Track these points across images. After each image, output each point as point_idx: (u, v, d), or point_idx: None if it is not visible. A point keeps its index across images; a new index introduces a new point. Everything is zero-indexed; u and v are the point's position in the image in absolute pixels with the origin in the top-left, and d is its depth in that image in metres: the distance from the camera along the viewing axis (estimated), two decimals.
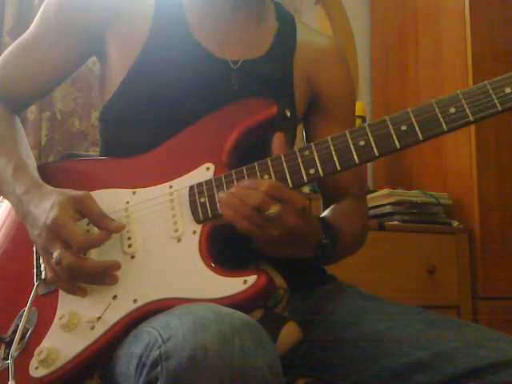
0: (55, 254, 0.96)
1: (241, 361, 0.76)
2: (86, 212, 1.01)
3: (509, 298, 2.37)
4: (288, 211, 0.95)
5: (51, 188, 1.05)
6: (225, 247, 1.00)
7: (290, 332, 1.06)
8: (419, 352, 0.99)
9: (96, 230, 1.02)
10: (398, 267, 2.22)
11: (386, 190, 2.40)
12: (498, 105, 0.92)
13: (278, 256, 1.04)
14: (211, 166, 1.04)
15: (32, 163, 1.13)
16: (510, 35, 2.48)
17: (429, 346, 0.99)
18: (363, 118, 2.57)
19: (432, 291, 2.29)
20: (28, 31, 1.26)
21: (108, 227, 1.00)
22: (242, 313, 0.84)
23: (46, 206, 1.00)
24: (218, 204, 0.99)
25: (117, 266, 0.99)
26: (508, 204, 2.43)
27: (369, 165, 2.76)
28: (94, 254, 1.01)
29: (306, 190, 2.26)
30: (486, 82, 0.93)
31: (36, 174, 1.10)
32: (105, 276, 0.99)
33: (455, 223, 2.43)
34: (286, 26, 1.31)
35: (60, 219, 0.97)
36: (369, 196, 2.24)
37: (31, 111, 2.26)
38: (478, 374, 0.93)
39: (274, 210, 0.94)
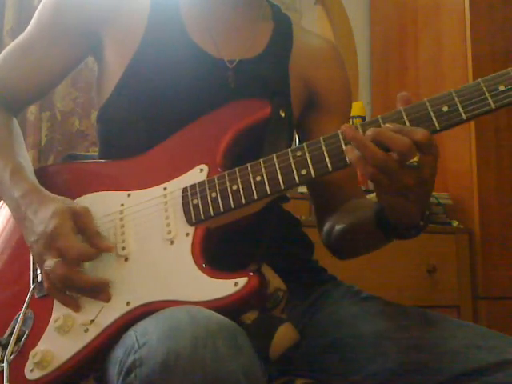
0: (49, 263, 0.96)
1: (213, 365, 0.75)
2: (81, 226, 1.00)
3: (509, 298, 2.37)
4: (427, 163, 0.92)
5: (50, 194, 1.04)
6: (224, 249, 1.00)
7: (285, 334, 1.06)
8: (418, 352, 0.99)
9: None
10: (398, 267, 2.22)
11: None
12: (492, 103, 0.90)
13: (392, 209, 1.00)
14: (205, 167, 1.04)
15: (29, 166, 1.13)
16: (510, 35, 2.48)
17: (428, 347, 0.99)
18: (363, 118, 2.57)
19: (432, 291, 2.28)
20: (25, 32, 1.26)
21: (99, 246, 0.99)
22: (220, 316, 0.83)
23: (46, 213, 0.99)
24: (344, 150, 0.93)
25: (106, 284, 0.98)
26: (508, 204, 2.43)
27: None
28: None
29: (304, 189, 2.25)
30: (479, 79, 0.92)
31: (33, 177, 1.10)
32: (98, 292, 0.98)
33: (455, 223, 2.43)
34: (282, 27, 1.31)
35: (60, 229, 0.97)
36: (369, 196, 2.23)
37: (31, 111, 2.27)
38: (478, 375, 0.93)
39: (416, 158, 0.90)
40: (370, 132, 0.90)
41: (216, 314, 0.83)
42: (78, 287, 0.97)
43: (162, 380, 0.75)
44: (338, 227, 1.23)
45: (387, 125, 0.91)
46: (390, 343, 1.03)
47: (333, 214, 1.27)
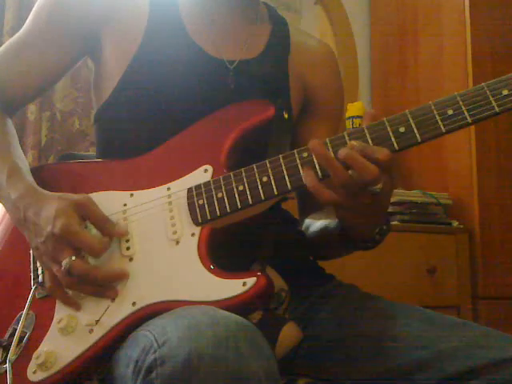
0: (65, 262, 0.95)
1: (236, 365, 0.75)
2: (89, 216, 1.00)
3: (509, 298, 2.37)
4: (388, 183, 0.94)
5: (49, 193, 1.04)
6: (227, 250, 1.00)
7: (289, 333, 1.06)
8: (419, 351, 0.99)
9: (94, 230, 1.01)
10: (398, 267, 2.22)
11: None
12: (496, 106, 0.91)
13: (349, 224, 1.04)
14: (209, 167, 1.03)
15: (25, 166, 1.12)
16: (510, 35, 2.49)
17: (428, 345, 0.99)
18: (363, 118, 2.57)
19: (432, 291, 2.29)
20: (21, 30, 1.24)
21: (112, 232, 1.00)
22: (238, 316, 0.83)
23: (49, 213, 0.99)
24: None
25: (126, 275, 0.99)
26: (508, 204, 2.43)
27: None
28: (92, 259, 1.00)
29: None
30: (483, 83, 0.93)
31: (30, 177, 1.09)
32: (106, 288, 0.98)
33: (455, 223, 2.43)
34: (280, 28, 1.32)
35: (68, 226, 0.96)
36: None
37: (31, 111, 2.26)
38: (478, 373, 0.93)
39: (375, 187, 0.93)
40: (342, 154, 0.92)
41: (233, 314, 0.83)
42: (97, 282, 0.97)
43: (184, 379, 0.74)
44: (310, 230, 1.25)
45: (353, 142, 0.93)
46: (390, 342, 1.03)
47: (310, 215, 1.29)
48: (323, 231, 1.19)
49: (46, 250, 0.99)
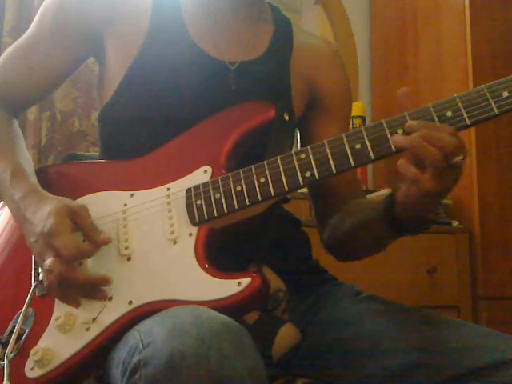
0: (47, 262, 0.96)
1: (219, 365, 0.75)
2: (78, 223, 1.00)
3: (509, 298, 2.37)
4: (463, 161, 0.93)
5: (49, 195, 1.05)
6: (226, 250, 1.00)
7: (287, 334, 1.06)
8: (418, 352, 1.00)
9: None
10: (398, 267, 2.22)
11: (386, 190, 2.39)
12: (495, 109, 0.92)
13: (421, 206, 0.99)
14: (209, 168, 1.04)
15: (30, 167, 1.13)
16: (510, 35, 2.48)
17: (428, 346, 1.00)
18: (363, 118, 2.57)
19: (432, 291, 2.29)
20: (27, 33, 1.26)
21: (96, 240, 1.00)
22: (225, 316, 0.83)
23: (43, 213, 1.00)
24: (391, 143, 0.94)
25: (108, 281, 0.98)
26: (508, 204, 2.43)
27: (369, 165, 2.76)
28: (90, 258, 1.01)
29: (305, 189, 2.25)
30: (483, 85, 0.93)
31: (34, 178, 1.10)
32: (96, 290, 0.98)
33: (455, 223, 2.43)
34: (283, 28, 1.31)
35: (57, 228, 0.97)
36: (369, 196, 2.23)
37: (31, 111, 2.26)
38: (477, 374, 0.94)
39: (459, 158, 0.92)
40: (420, 133, 0.91)
41: (220, 315, 0.83)
42: (76, 285, 0.97)
43: (166, 380, 0.75)
44: (343, 227, 1.23)
45: (410, 122, 0.93)
46: (390, 343, 1.04)
47: (334, 214, 1.27)
48: (365, 222, 1.15)
49: (37, 249, 1.00)
